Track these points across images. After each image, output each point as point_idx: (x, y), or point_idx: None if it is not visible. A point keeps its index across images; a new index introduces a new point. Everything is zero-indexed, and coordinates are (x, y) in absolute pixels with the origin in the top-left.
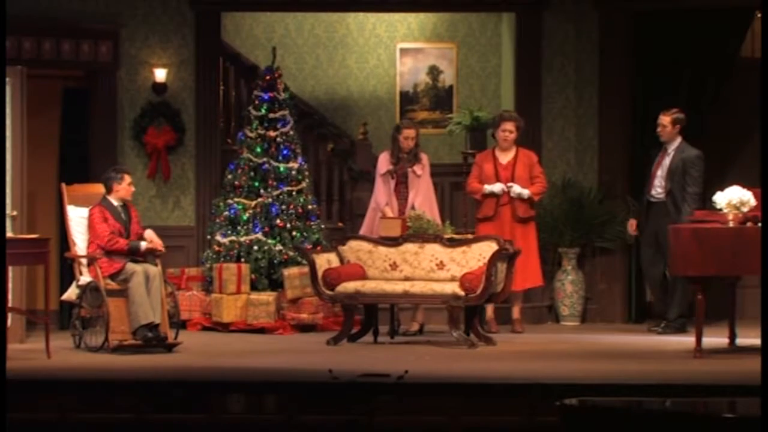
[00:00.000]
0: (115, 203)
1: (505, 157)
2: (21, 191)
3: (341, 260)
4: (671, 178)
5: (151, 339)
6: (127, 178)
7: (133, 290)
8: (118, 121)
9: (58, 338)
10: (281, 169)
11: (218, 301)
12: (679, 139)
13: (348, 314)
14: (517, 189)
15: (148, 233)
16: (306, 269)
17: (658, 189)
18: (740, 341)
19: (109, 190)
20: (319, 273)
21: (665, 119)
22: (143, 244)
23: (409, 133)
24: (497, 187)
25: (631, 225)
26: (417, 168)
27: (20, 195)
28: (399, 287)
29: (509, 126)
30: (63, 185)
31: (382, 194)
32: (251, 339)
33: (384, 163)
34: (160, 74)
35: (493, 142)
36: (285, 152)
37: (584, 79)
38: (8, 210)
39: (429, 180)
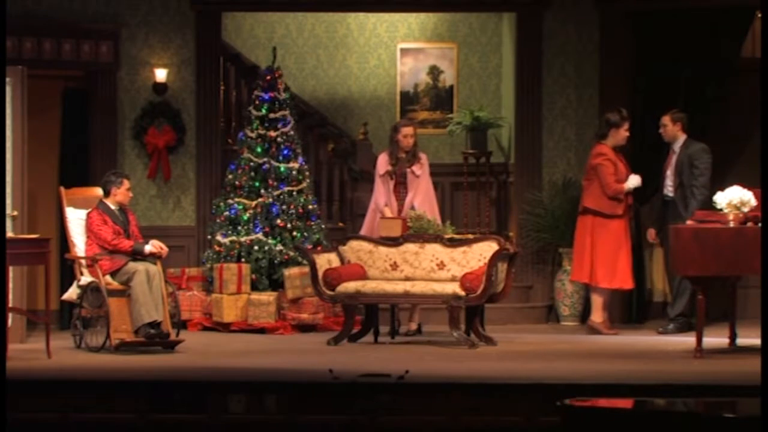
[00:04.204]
0: (113, 207)
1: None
2: (21, 191)
3: (342, 260)
4: (679, 174)
5: (154, 336)
6: (126, 183)
7: (136, 289)
8: (118, 121)
9: (58, 338)
10: (282, 169)
11: (219, 301)
12: (683, 137)
13: (348, 314)
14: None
15: (155, 242)
16: (306, 269)
17: (668, 187)
18: (741, 341)
19: (107, 194)
20: (320, 273)
21: (665, 119)
22: (147, 248)
23: (408, 131)
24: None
25: (650, 234)
26: (416, 168)
27: (21, 195)
28: (399, 287)
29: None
30: (61, 189)
31: (381, 195)
32: (251, 339)
33: (383, 163)
34: (161, 74)
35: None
36: (285, 152)
37: (584, 79)
38: (8, 210)
39: (428, 179)
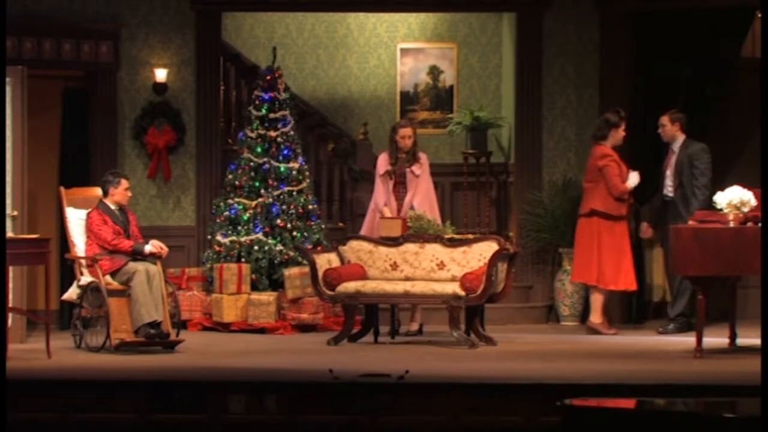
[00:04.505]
0: (112, 207)
1: None
2: (21, 191)
3: (342, 260)
4: (679, 174)
5: (154, 336)
6: (124, 183)
7: (136, 289)
8: (118, 121)
9: (58, 338)
10: (282, 169)
11: (219, 301)
12: (682, 137)
13: (348, 314)
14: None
15: (155, 242)
16: (306, 269)
17: (668, 187)
18: (741, 341)
19: (105, 194)
20: (320, 273)
21: (663, 119)
22: (147, 248)
23: (406, 132)
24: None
25: (643, 226)
26: (415, 168)
27: (21, 195)
28: (399, 287)
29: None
30: (61, 189)
31: (380, 195)
32: (251, 339)
33: (383, 163)
34: (161, 74)
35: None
36: (285, 152)
37: (584, 79)
38: (8, 210)
39: (429, 179)
